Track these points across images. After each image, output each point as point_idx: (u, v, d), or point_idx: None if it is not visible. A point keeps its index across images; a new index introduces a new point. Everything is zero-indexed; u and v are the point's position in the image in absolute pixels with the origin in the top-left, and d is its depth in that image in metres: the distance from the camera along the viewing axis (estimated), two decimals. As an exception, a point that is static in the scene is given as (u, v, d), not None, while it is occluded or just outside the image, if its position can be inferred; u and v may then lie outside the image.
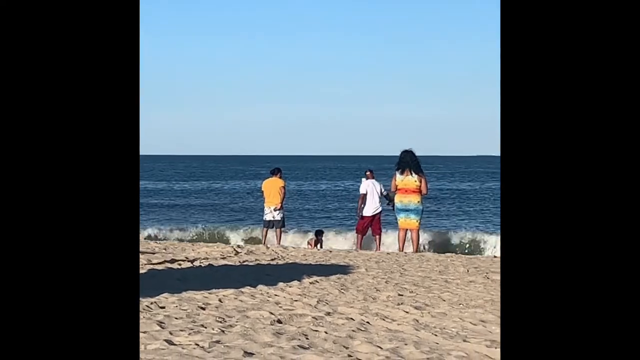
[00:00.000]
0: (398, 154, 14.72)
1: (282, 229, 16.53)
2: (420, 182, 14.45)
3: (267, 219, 16.34)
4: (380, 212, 15.52)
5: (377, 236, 15.54)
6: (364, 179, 15.80)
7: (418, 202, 14.49)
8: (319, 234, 17.94)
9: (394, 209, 14.76)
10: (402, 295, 7.89)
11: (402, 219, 14.55)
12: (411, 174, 14.43)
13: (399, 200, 14.52)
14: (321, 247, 16.64)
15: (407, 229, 14.57)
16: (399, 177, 14.52)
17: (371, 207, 15.45)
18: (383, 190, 15.49)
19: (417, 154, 14.64)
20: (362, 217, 15.54)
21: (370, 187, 15.51)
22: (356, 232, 15.98)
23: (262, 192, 16.57)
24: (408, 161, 14.51)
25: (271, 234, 16.42)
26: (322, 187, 55.90)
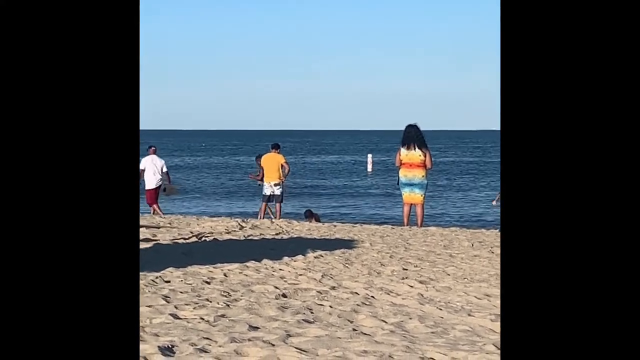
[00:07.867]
0: (403, 128, 14.68)
1: (282, 203, 16.50)
2: (425, 156, 14.41)
3: (267, 193, 16.29)
4: (160, 186, 17.36)
5: (155, 205, 17.23)
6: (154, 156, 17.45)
7: (422, 176, 14.45)
8: (310, 215, 16.69)
9: (398, 184, 14.74)
10: (406, 269, 7.90)
11: (406, 193, 14.50)
12: (415, 148, 14.39)
13: (403, 174, 14.47)
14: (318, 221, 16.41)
15: (411, 204, 14.56)
16: (403, 152, 14.47)
17: (152, 180, 17.20)
18: (164, 167, 17.50)
19: (422, 128, 14.59)
20: (147, 190, 17.27)
21: (149, 163, 17.20)
22: (149, 204, 17.40)
23: (261, 167, 16.46)
24: (412, 136, 14.46)
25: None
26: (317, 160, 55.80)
